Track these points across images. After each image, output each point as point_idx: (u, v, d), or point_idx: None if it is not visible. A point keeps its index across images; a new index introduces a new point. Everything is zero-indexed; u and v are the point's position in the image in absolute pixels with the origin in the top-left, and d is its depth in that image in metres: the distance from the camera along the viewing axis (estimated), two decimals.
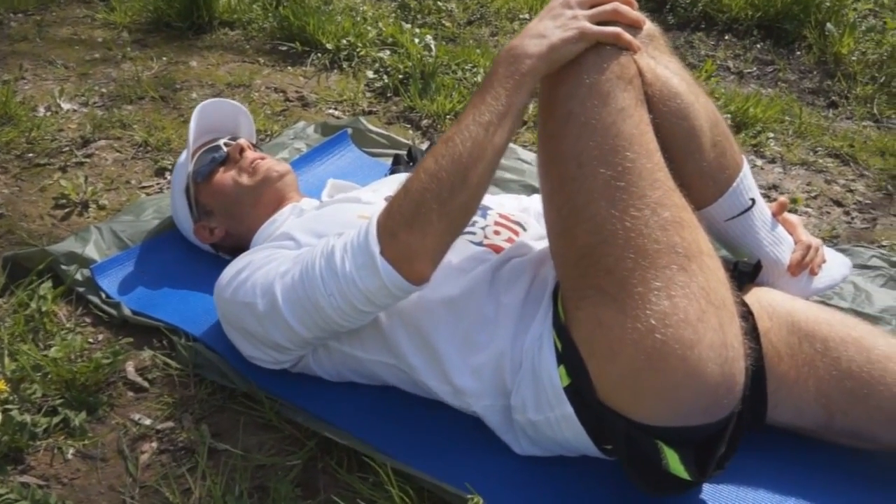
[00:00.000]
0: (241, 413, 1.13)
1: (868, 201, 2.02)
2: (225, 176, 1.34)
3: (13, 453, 1.05)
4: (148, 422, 1.13)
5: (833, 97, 2.64)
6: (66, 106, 2.07)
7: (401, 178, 1.42)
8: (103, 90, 2.20)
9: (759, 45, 2.91)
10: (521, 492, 1.00)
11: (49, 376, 1.14)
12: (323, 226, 1.17)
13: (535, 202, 1.40)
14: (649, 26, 1.04)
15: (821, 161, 2.19)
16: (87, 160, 1.81)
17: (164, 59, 2.44)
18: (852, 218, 1.94)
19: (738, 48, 2.91)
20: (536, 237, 1.21)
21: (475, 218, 1.21)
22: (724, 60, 2.82)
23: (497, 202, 1.34)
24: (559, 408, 0.97)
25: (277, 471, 1.05)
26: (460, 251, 1.12)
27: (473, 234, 1.18)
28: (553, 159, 0.99)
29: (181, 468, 1.05)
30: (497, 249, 1.15)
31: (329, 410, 1.11)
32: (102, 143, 1.89)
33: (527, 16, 3.05)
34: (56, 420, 1.10)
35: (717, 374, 0.91)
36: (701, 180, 1.07)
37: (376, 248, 0.96)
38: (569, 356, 0.96)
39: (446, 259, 1.01)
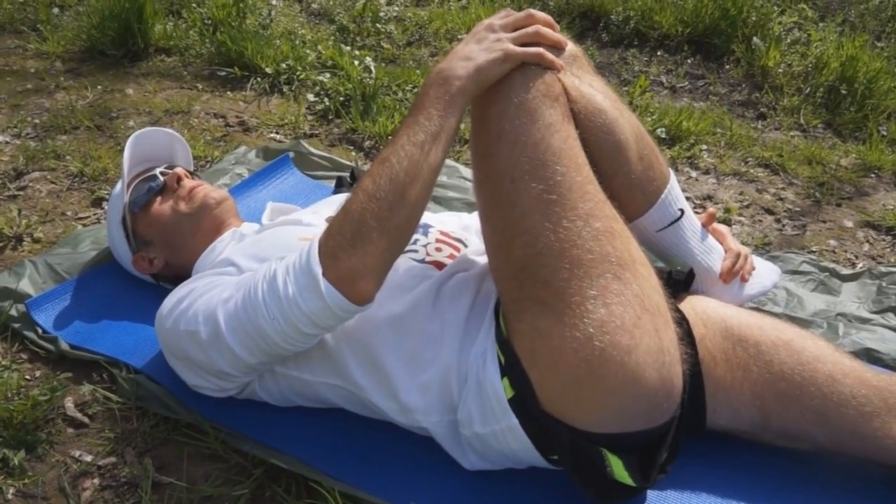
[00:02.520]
0: (186, 444, 1.12)
1: (798, 209, 2.10)
2: (162, 205, 1.33)
3: None
4: (89, 458, 1.10)
5: (762, 109, 2.75)
6: None
7: (340, 198, 1.42)
8: (36, 121, 2.15)
9: (689, 60, 3.02)
10: None
11: None
12: (264, 250, 1.17)
13: (475, 219, 1.42)
14: (571, 47, 1.08)
15: (752, 171, 2.27)
16: (21, 193, 1.77)
17: (100, 87, 2.40)
18: (783, 225, 2.02)
19: (670, 63, 3.01)
20: (478, 253, 1.23)
21: (417, 236, 1.23)
22: (657, 76, 2.91)
23: (438, 220, 1.36)
24: (504, 419, 0.99)
25: (224, 502, 1.03)
26: (403, 269, 1.13)
27: (416, 251, 1.19)
28: (487, 177, 1.01)
29: (126, 503, 1.02)
30: (439, 266, 1.17)
31: (275, 436, 1.10)
32: (36, 174, 1.84)
33: (464, 35, 3.10)
34: None
35: (656, 379, 0.94)
36: (630, 193, 1.11)
37: (318, 270, 0.96)
38: (511, 368, 0.98)
39: (389, 277, 1.01)
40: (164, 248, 1.33)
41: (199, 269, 1.25)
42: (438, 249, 1.21)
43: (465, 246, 1.25)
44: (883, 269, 1.69)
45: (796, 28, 3.26)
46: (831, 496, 1.05)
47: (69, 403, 1.19)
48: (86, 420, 1.17)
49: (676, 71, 2.95)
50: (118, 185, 1.37)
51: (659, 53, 3.08)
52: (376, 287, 0.99)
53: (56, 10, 2.93)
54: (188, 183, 1.35)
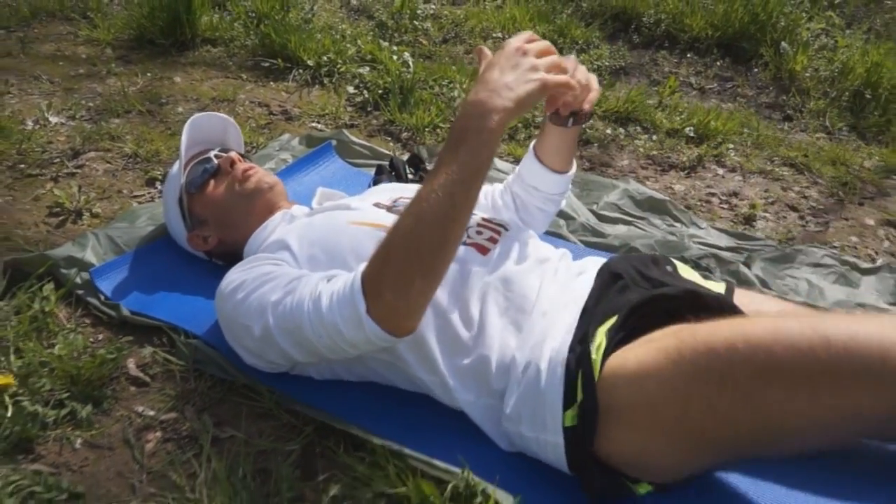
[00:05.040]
0: (242, 404, 1.20)
1: (821, 206, 2.15)
2: (217, 187, 1.40)
3: (23, 443, 1.10)
4: (151, 413, 1.19)
5: (788, 111, 2.79)
6: (53, 119, 2.12)
7: (387, 187, 1.50)
8: (90, 104, 2.25)
9: (718, 63, 3.07)
10: (508, 471, 1.07)
11: (55, 372, 1.20)
12: (316, 232, 1.23)
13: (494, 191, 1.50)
14: None
15: (777, 170, 2.32)
16: (79, 171, 1.87)
17: (149, 74, 2.50)
18: (806, 222, 2.07)
19: (700, 65, 3.06)
20: (523, 235, 1.30)
21: None
22: (686, 77, 2.97)
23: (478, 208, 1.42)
24: (552, 436, 1.03)
25: (278, 455, 1.12)
26: None
27: None
28: None
29: (186, 454, 1.11)
30: (480, 249, 1.22)
31: (324, 401, 1.18)
32: (92, 154, 1.94)
33: (500, 34, 3.17)
34: (63, 412, 1.15)
35: None
36: None
37: (363, 307, 0.99)
38: (586, 409, 0.99)
39: None
40: (217, 227, 1.41)
41: (252, 247, 1.33)
42: (479, 233, 1.27)
43: (507, 230, 1.31)
44: None
45: (824, 34, 3.30)
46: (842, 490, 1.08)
47: (131, 364, 1.27)
48: (147, 379, 1.25)
49: (705, 73, 3.01)
50: (175, 167, 1.45)
51: (689, 56, 3.13)
52: (418, 322, 1.03)
53: None
54: (241, 165, 1.43)
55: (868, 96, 2.74)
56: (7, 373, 1.16)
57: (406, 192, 1.42)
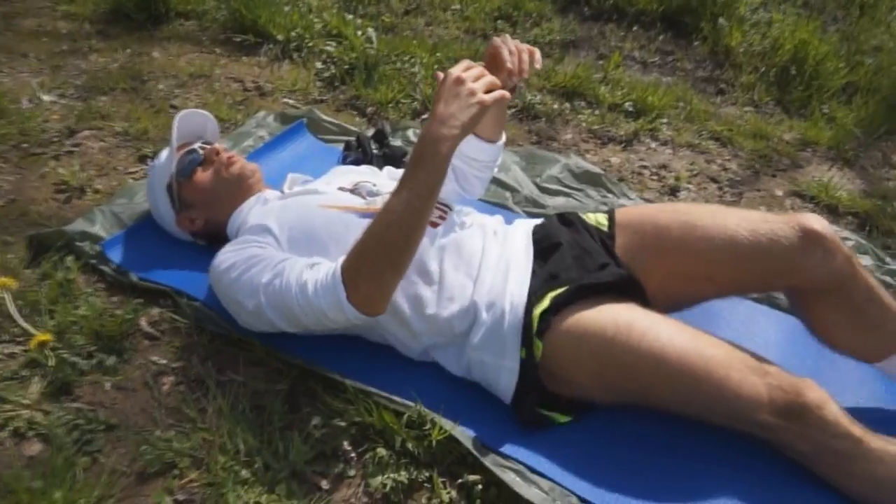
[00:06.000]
0: (238, 353, 1.47)
1: (738, 178, 2.45)
2: (204, 174, 1.63)
3: (64, 387, 1.36)
4: (164, 362, 1.45)
5: (721, 85, 3.07)
6: (45, 98, 2.31)
7: (347, 169, 1.75)
8: (77, 83, 2.43)
9: (661, 37, 3.31)
10: (453, 404, 1.37)
11: (83, 329, 1.45)
12: (292, 216, 1.48)
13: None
14: None
15: (704, 143, 2.61)
16: (76, 149, 2.08)
17: (128, 50, 2.68)
18: (724, 192, 2.37)
19: (644, 39, 3.31)
20: (464, 210, 1.58)
21: None
22: (630, 51, 3.21)
23: None
24: (510, 362, 1.34)
25: (269, 394, 1.40)
26: None
27: None
28: None
29: (196, 393, 1.38)
30: (432, 224, 1.49)
31: (306, 351, 1.45)
32: (87, 133, 2.15)
33: (458, 6, 3.37)
34: (93, 361, 1.41)
35: None
36: None
37: (343, 295, 1.26)
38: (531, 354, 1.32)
39: None
40: (204, 210, 1.64)
41: (232, 227, 1.58)
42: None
43: (450, 209, 1.59)
44: None
45: (762, 8, 3.56)
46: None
47: (143, 322, 1.53)
48: (157, 335, 1.51)
49: (649, 47, 3.25)
50: (163, 155, 1.67)
51: (634, 29, 3.37)
52: (387, 303, 1.31)
53: None
54: (226, 154, 1.66)
55: (793, 72, 3.02)
56: (45, 331, 1.41)
57: (363, 175, 1.68)
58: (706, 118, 2.76)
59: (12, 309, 1.45)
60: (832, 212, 2.31)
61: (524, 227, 1.57)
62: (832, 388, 1.39)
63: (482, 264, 1.44)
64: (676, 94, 2.86)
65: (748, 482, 1.31)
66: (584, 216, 1.57)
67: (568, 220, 1.56)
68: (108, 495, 1.18)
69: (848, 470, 1.24)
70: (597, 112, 2.68)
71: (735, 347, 1.33)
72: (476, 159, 1.67)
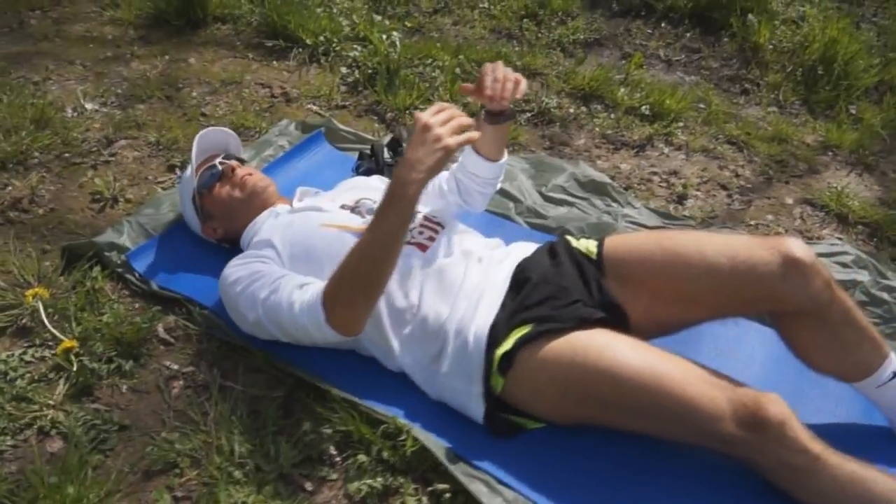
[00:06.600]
0: (240, 361, 1.62)
1: (749, 185, 2.46)
2: (222, 189, 1.78)
3: (85, 389, 1.54)
4: (176, 367, 1.61)
5: (746, 85, 3.04)
6: (89, 106, 2.50)
7: (354, 183, 1.87)
8: (118, 91, 2.61)
9: (689, 34, 3.29)
10: (429, 418, 1.48)
11: (104, 336, 1.62)
12: (294, 234, 1.61)
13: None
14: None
15: (719, 148, 2.62)
16: (112, 158, 2.25)
17: (167, 56, 2.84)
18: (732, 200, 2.39)
19: (671, 37, 3.29)
20: (456, 232, 1.67)
21: None
22: (655, 49, 3.21)
23: (422, 204, 1.77)
24: (477, 387, 1.44)
25: (266, 400, 1.54)
26: None
27: None
28: None
29: (200, 398, 1.54)
30: (421, 247, 1.60)
31: (300, 361, 1.59)
32: (123, 142, 2.32)
33: (486, 4, 3.42)
34: (112, 366, 1.58)
35: None
36: None
37: (322, 317, 1.41)
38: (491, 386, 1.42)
39: None
40: (223, 221, 1.80)
41: (246, 238, 1.73)
42: (421, 232, 1.64)
43: (443, 227, 1.68)
44: None
45: (798, 3, 3.48)
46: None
47: (160, 328, 1.69)
48: (172, 340, 1.67)
49: (675, 45, 3.24)
50: (188, 171, 1.83)
51: (662, 25, 3.36)
52: (363, 326, 1.45)
53: None
54: (240, 171, 1.80)
55: (821, 72, 2.98)
56: (72, 338, 1.59)
57: (367, 192, 1.79)
58: (725, 120, 2.76)
59: (44, 316, 1.63)
60: (842, 221, 2.31)
61: (514, 257, 1.63)
62: (812, 405, 1.45)
63: (460, 292, 1.53)
64: (697, 95, 2.87)
65: (713, 497, 1.39)
66: (574, 243, 1.63)
67: (555, 250, 1.63)
68: (115, 490, 1.34)
69: (802, 484, 1.29)
70: (612, 116, 2.71)
71: (696, 364, 1.40)
72: (477, 175, 1.77)
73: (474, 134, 1.40)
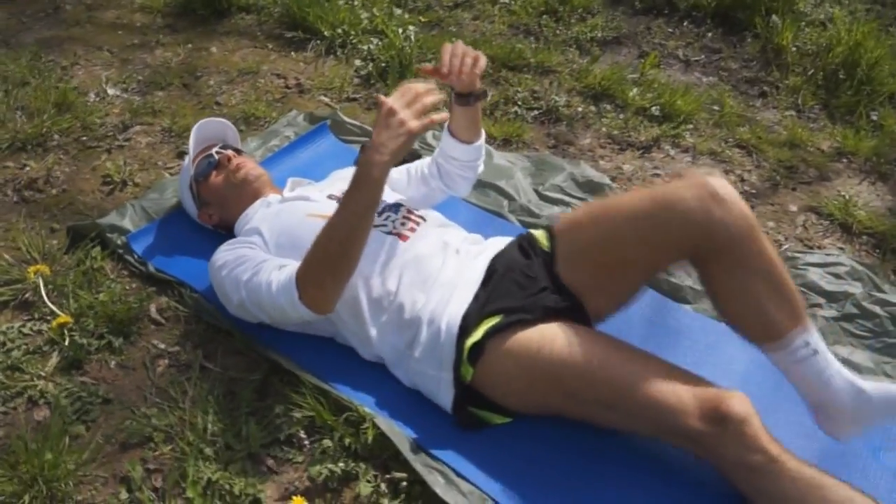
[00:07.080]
0: (222, 343, 1.69)
1: (753, 191, 2.43)
2: (217, 178, 1.86)
3: (75, 363, 1.63)
4: (163, 346, 1.69)
5: (765, 87, 2.99)
6: (111, 91, 2.60)
7: (344, 174, 1.92)
8: (140, 77, 2.71)
9: (710, 34, 3.24)
10: (395, 407, 1.54)
11: (98, 313, 1.72)
12: (282, 223, 1.68)
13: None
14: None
15: (728, 151, 2.59)
16: (126, 143, 2.35)
17: (190, 45, 2.94)
18: None
19: (691, 36, 3.25)
20: (436, 224, 1.72)
21: (389, 213, 1.71)
22: (674, 49, 3.18)
23: (405, 199, 1.82)
24: (447, 374, 1.48)
25: (242, 382, 1.61)
26: (373, 240, 1.62)
27: (385, 225, 1.67)
28: None
29: (182, 377, 1.62)
30: (402, 237, 1.65)
31: (278, 345, 1.66)
32: (138, 128, 2.42)
33: (506, 0, 3.43)
34: (103, 342, 1.67)
35: None
36: None
37: (295, 296, 1.47)
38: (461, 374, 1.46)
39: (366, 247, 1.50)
40: (218, 208, 1.88)
41: (239, 226, 1.80)
42: (403, 224, 1.69)
43: (425, 220, 1.73)
44: (790, 253, 2.07)
45: (828, 4, 3.40)
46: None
47: (153, 308, 1.78)
48: (162, 321, 1.76)
49: (695, 44, 3.20)
50: (186, 160, 1.91)
51: (684, 24, 3.32)
52: (334, 305, 1.50)
53: None
54: (235, 161, 1.87)
55: (843, 76, 2.91)
56: (67, 313, 1.69)
57: None
58: (738, 123, 2.73)
59: (43, 292, 1.73)
60: (846, 230, 2.27)
61: (490, 251, 1.66)
62: (783, 415, 1.44)
63: (436, 282, 1.57)
64: (711, 97, 2.83)
65: (673, 492, 1.41)
66: (537, 238, 1.66)
67: (522, 244, 1.66)
68: (91, 460, 1.43)
69: (758, 485, 1.28)
70: (621, 116, 2.71)
71: (664, 361, 1.42)
72: (454, 157, 1.81)
73: (440, 115, 1.44)
